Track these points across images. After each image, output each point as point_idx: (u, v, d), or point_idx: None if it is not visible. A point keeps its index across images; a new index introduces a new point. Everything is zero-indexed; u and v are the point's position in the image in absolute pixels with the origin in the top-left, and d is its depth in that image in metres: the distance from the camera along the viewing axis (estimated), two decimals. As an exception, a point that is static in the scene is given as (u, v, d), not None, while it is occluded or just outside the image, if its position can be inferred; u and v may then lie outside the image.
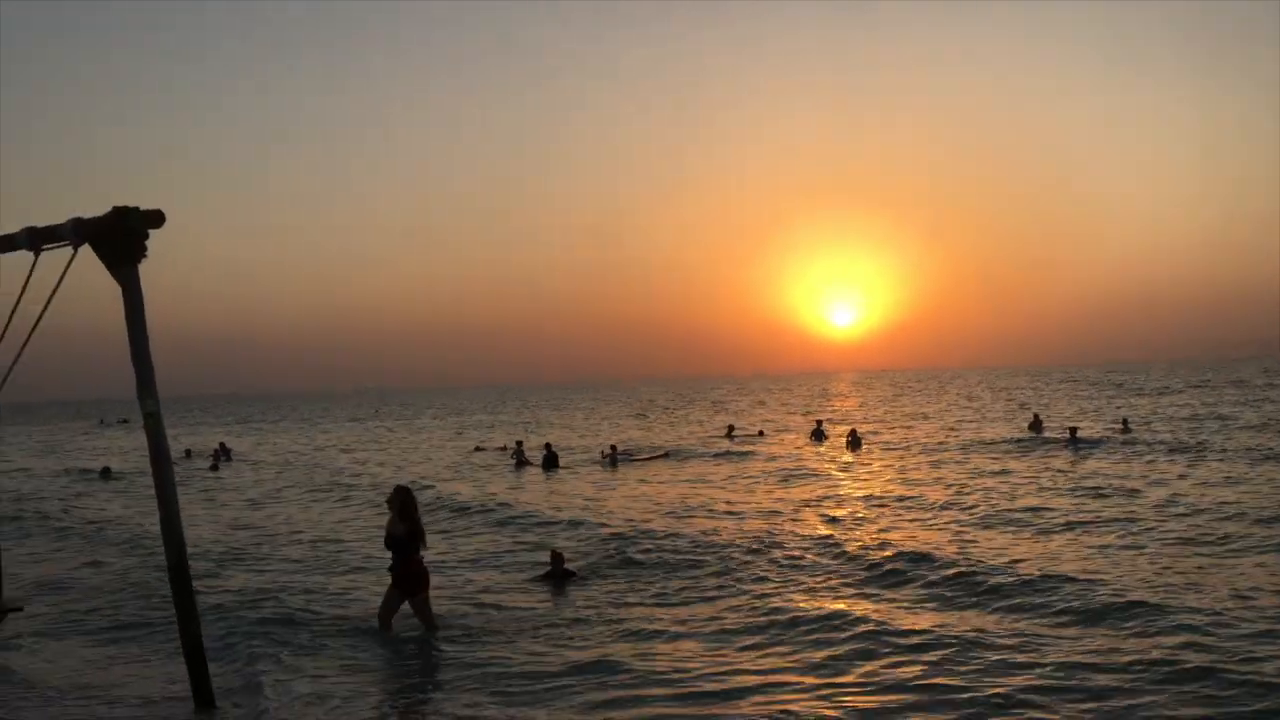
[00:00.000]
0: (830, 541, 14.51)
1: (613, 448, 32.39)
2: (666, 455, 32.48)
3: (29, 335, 7.99)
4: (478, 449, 39.56)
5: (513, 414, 79.10)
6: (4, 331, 8.24)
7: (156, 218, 7.77)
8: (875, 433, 39.53)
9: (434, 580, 10.58)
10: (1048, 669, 8.17)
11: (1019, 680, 7.90)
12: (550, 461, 29.78)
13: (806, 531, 15.68)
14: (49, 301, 7.93)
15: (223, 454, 37.80)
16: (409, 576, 10.22)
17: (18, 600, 8.96)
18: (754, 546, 14.28)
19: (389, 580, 10.42)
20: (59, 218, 7.97)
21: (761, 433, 42.19)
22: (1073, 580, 11.20)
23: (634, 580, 12.60)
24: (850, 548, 13.86)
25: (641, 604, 11.34)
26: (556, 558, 13.03)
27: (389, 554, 10.34)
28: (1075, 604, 10.21)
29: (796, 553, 13.76)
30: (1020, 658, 8.51)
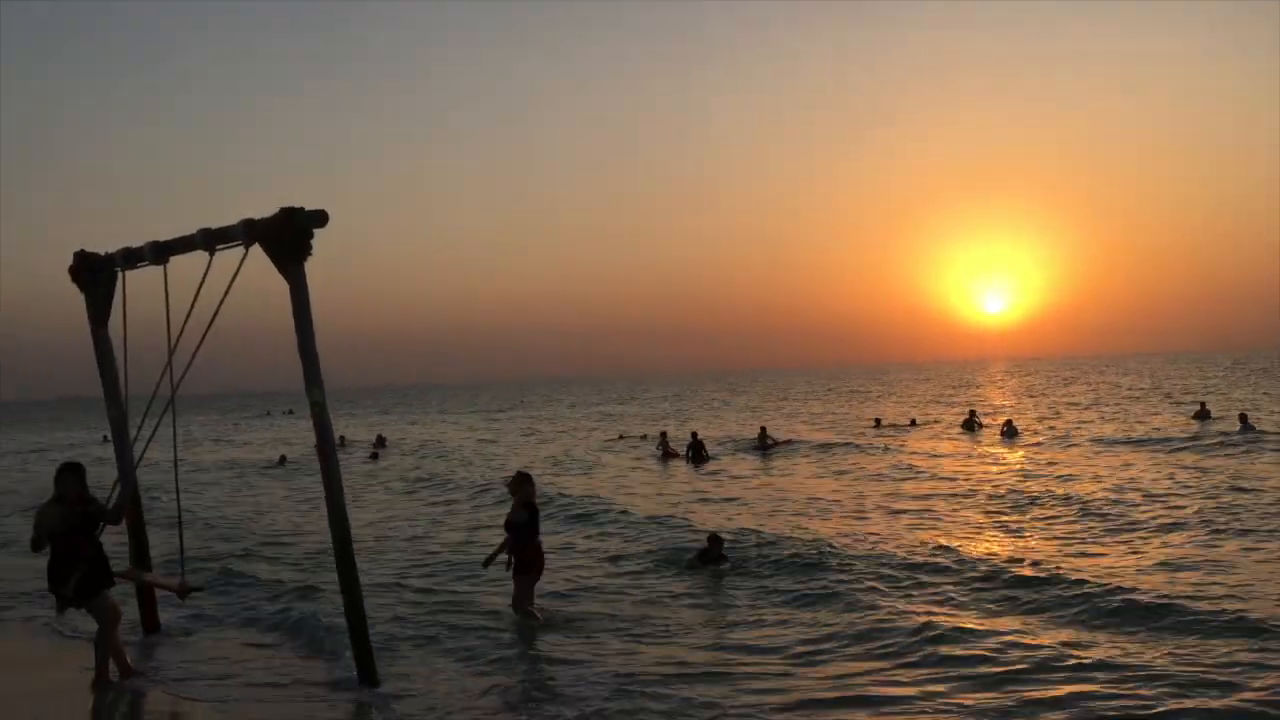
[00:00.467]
0: (989, 549, 13.61)
1: (761, 434, 32.21)
2: (810, 446, 32.07)
3: (205, 331, 8.42)
4: (620, 437, 40.09)
5: (653, 403, 79.57)
6: (182, 328, 8.72)
7: (320, 217, 8.08)
8: (1031, 423, 38.08)
9: (581, 572, 10.72)
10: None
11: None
12: (696, 451, 29.77)
13: (963, 536, 14.88)
14: (223, 298, 8.34)
15: (379, 444, 39.46)
16: (527, 561, 10.34)
17: (198, 582, 9.47)
18: (908, 552, 13.52)
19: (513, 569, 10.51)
20: (233, 217, 8.43)
21: (914, 422, 41.17)
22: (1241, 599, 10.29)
23: (781, 578, 12.26)
24: (1009, 559, 12.76)
25: (784, 605, 11.03)
26: (714, 540, 12.95)
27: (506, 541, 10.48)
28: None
29: (951, 561, 12.74)
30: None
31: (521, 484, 10.60)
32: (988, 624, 9.76)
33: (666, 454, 30.87)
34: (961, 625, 9.67)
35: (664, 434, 33.54)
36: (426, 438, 47.33)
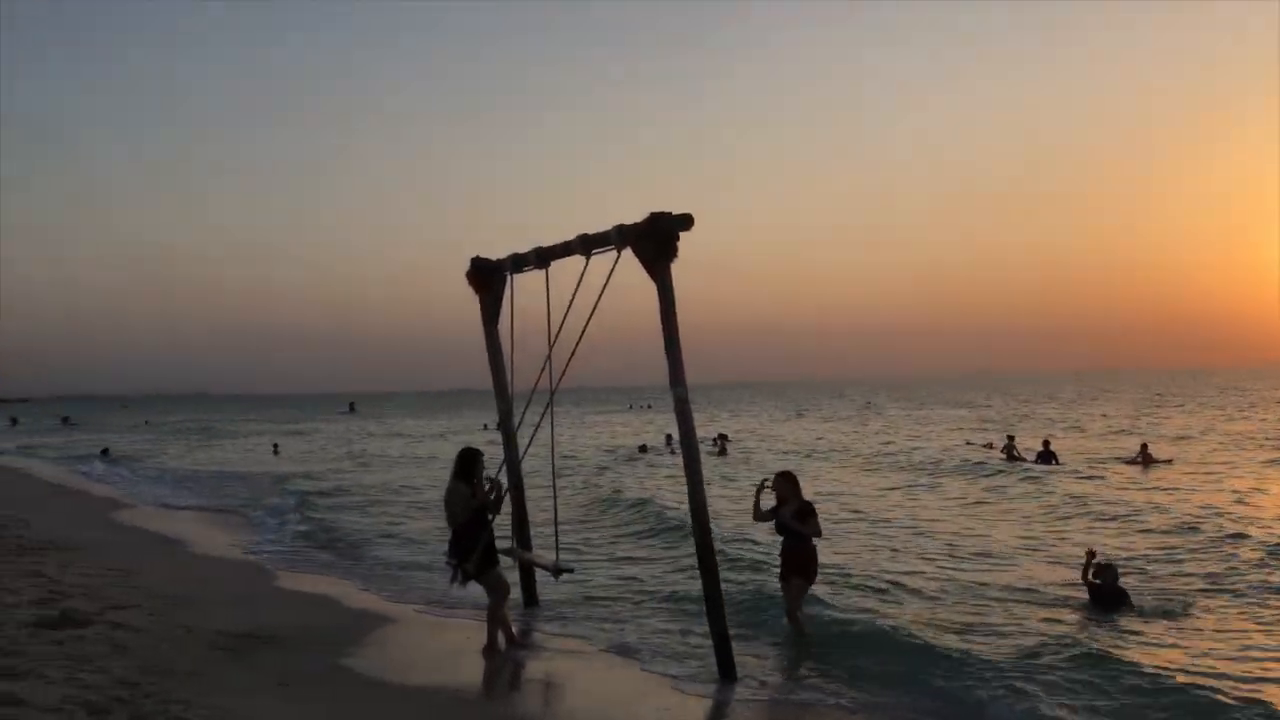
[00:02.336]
0: None
1: (1142, 449, 29.62)
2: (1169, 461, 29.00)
3: (583, 329, 9.04)
4: (967, 443, 38.44)
5: (1001, 406, 75.50)
6: (560, 326, 9.42)
7: (687, 220, 8.43)
8: None
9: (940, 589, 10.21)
10: None
11: None
12: (1046, 460, 27.96)
13: None
14: (599, 298, 8.91)
15: (722, 440, 40.52)
16: (798, 565, 9.89)
17: (569, 563, 10.18)
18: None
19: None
20: (607, 223, 8.98)
21: None
22: None
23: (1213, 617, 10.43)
24: None
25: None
26: (1106, 570, 10.96)
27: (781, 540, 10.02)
28: None
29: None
30: None
31: (788, 483, 10.26)
32: None
33: (1012, 458, 29.28)
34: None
35: (1011, 438, 31.71)
36: (774, 435, 47.88)
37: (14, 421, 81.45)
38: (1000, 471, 26.24)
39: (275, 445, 46.20)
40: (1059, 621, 10.24)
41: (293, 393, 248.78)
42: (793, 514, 9.79)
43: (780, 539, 9.99)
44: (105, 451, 42.03)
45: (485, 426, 54.91)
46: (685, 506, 9.80)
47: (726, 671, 8.50)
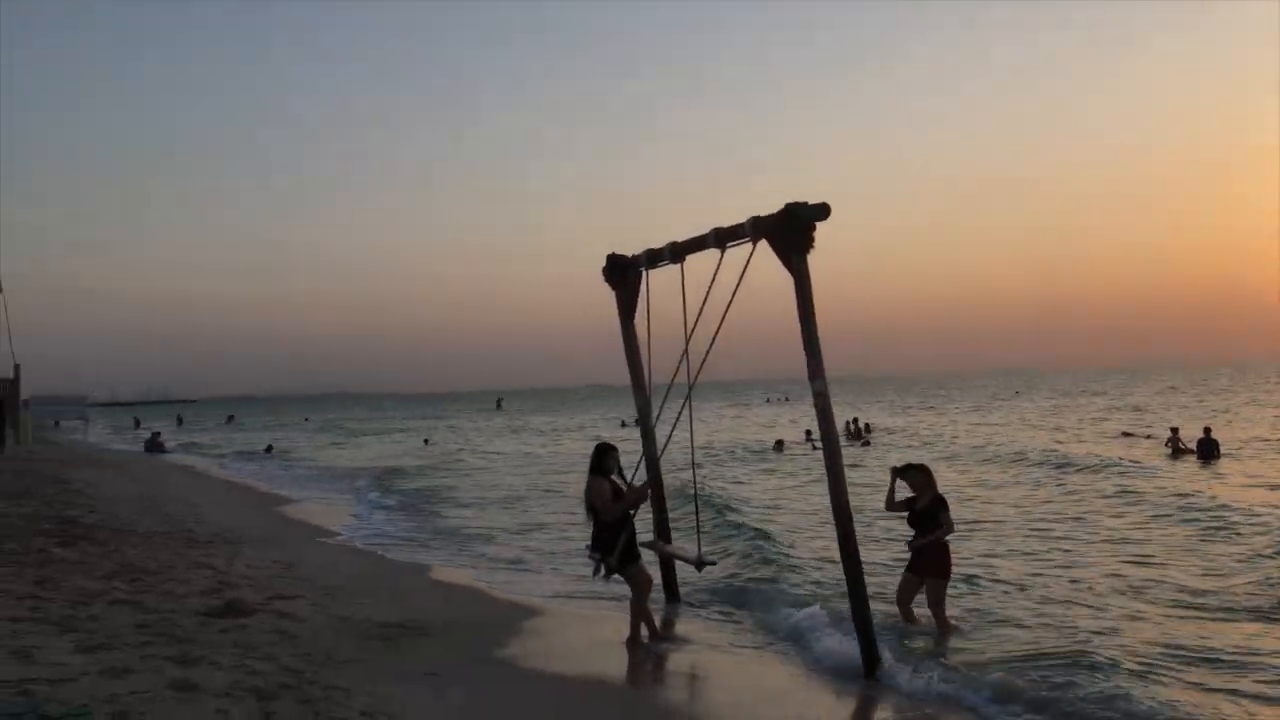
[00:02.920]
0: None
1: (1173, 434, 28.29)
2: None
3: (719, 324, 9.02)
4: (1124, 434, 36.75)
5: (1152, 394, 71.91)
6: (696, 320, 9.42)
7: (823, 211, 8.32)
8: None
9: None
10: None
11: None
12: (1208, 449, 26.55)
13: None
14: (735, 292, 8.88)
15: (855, 425, 40.02)
16: (924, 559, 9.64)
17: (712, 556, 10.20)
18: None
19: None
20: (739, 216, 8.94)
21: None
22: None
23: None
24: None
25: None
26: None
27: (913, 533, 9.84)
28: None
29: None
30: None
31: (922, 475, 9.97)
32: None
33: (1177, 450, 27.90)
34: None
35: (1175, 430, 30.18)
36: (920, 425, 46.85)
37: (180, 421, 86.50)
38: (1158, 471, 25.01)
39: (426, 439, 47.81)
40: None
41: (441, 391, 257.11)
42: (925, 506, 9.62)
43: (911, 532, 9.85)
44: (268, 449, 44.21)
45: (623, 423, 55.38)
46: (825, 501, 9.69)
47: (871, 664, 8.37)
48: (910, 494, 9.88)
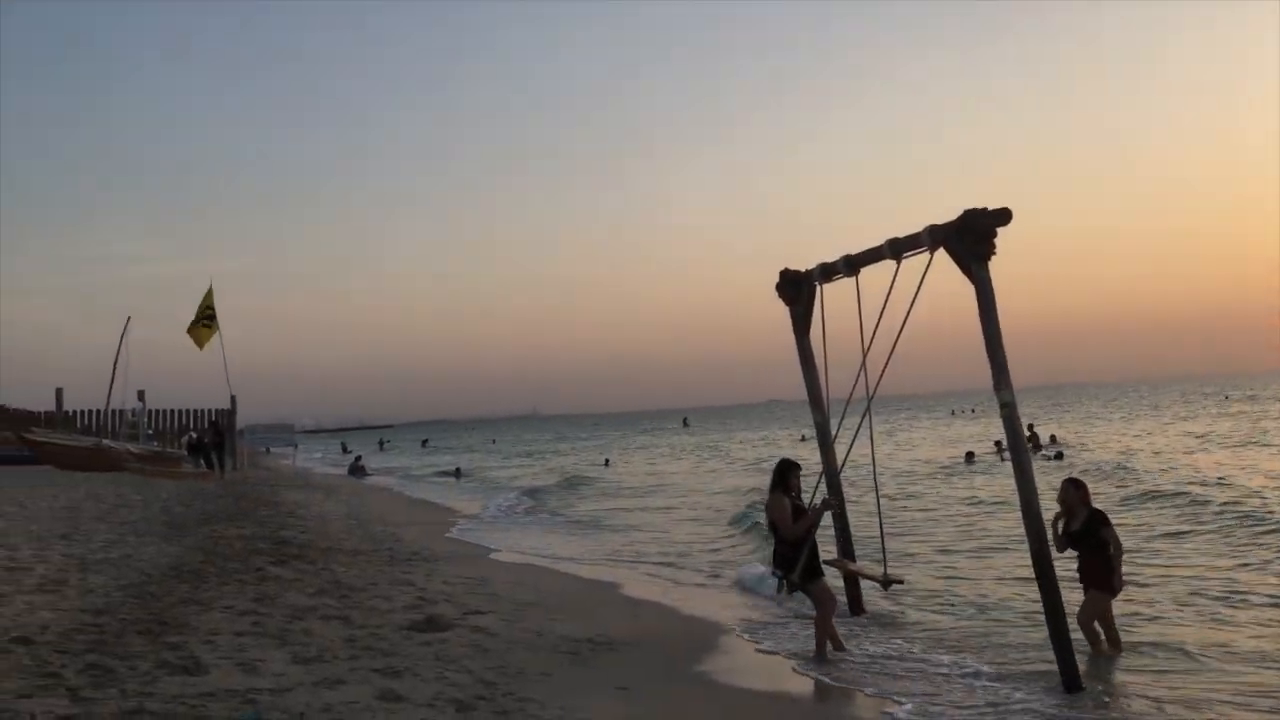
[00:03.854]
0: None
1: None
2: None
3: (898, 335, 8.89)
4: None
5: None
6: (874, 333, 9.31)
7: (1004, 216, 8.09)
8: None
9: None
10: None
11: None
12: None
13: None
14: (913, 302, 8.74)
15: (1034, 437, 38.21)
16: (1091, 575, 9.07)
17: (900, 575, 10.01)
18: None
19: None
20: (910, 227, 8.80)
21: None
22: None
23: None
24: None
25: None
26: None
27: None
28: None
29: None
30: None
31: (1077, 491, 9.34)
32: None
33: None
34: None
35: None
36: (1107, 437, 44.41)
37: (381, 445, 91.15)
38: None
39: (606, 459, 48.71)
40: None
41: (626, 410, 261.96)
42: (1081, 527, 9.15)
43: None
44: (457, 471, 46.09)
45: (803, 437, 54.92)
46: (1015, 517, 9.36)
47: (1071, 683, 8.01)
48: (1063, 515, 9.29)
